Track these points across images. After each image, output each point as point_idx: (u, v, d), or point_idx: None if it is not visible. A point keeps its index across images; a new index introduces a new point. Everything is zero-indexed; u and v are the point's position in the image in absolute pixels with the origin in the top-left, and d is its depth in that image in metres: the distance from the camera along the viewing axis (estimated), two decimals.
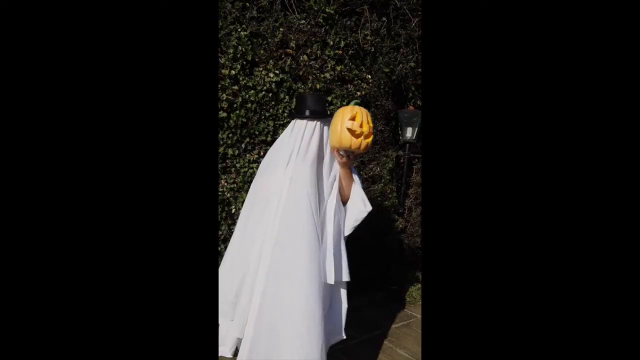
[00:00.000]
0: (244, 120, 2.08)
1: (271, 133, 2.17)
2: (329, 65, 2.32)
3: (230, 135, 2.06)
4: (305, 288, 1.29)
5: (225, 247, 1.63)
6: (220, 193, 2.08)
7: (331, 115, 1.47)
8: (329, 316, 1.47)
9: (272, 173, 1.48)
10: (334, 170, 1.50)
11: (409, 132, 2.69)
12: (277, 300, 1.31)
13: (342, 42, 2.34)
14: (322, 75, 2.30)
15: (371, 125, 1.39)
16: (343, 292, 1.53)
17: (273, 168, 1.48)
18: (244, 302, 1.43)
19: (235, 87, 2.04)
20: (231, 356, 1.53)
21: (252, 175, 2.07)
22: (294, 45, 2.20)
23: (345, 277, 1.48)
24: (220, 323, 1.52)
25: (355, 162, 1.64)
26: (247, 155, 2.14)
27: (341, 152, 1.42)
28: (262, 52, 2.11)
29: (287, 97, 2.19)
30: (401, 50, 2.63)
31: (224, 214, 2.10)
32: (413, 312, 2.63)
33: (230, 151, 2.08)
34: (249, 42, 2.06)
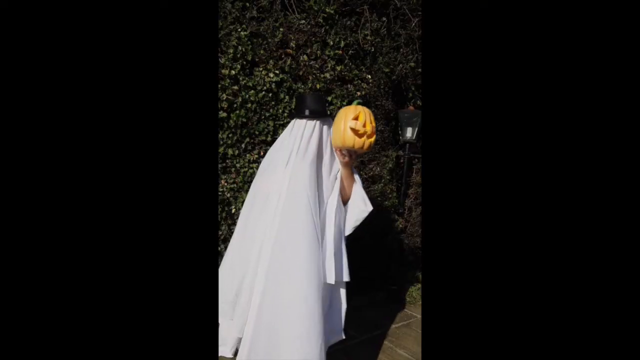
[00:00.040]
0: (244, 120, 2.08)
1: (271, 133, 2.17)
2: (329, 65, 2.32)
3: (230, 135, 2.06)
4: (305, 288, 1.29)
5: (225, 247, 1.62)
6: (220, 193, 2.08)
7: (331, 115, 1.47)
8: (328, 316, 1.47)
9: (272, 173, 1.48)
10: (334, 170, 1.50)
11: (409, 132, 2.69)
12: (276, 300, 1.31)
13: (342, 42, 2.34)
14: (322, 75, 2.30)
15: (374, 124, 1.39)
16: (342, 292, 1.53)
17: (273, 168, 1.48)
18: (243, 302, 1.43)
19: (235, 87, 2.04)
20: (232, 356, 1.53)
21: (252, 175, 2.07)
22: (294, 45, 2.20)
23: (346, 277, 1.48)
24: (221, 323, 1.52)
25: (355, 162, 1.64)
26: (247, 155, 2.14)
27: (344, 152, 1.42)
28: (262, 52, 2.11)
29: (287, 97, 2.20)
30: (401, 50, 2.63)
31: (224, 214, 2.10)
32: (413, 312, 2.63)
33: (230, 151, 2.08)
34: (249, 42, 2.06)
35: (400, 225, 2.88)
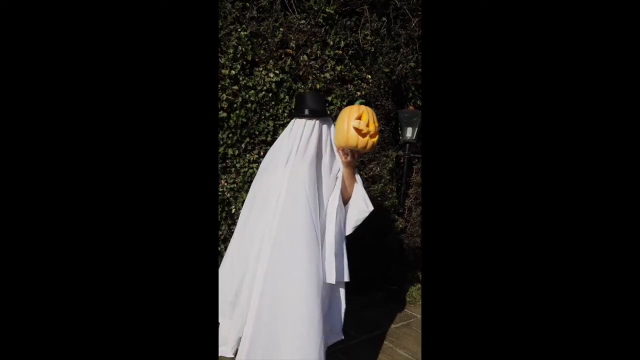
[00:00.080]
0: (244, 120, 2.08)
1: (271, 133, 2.17)
2: (329, 65, 2.32)
3: (230, 135, 2.07)
4: (304, 288, 1.28)
5: (226, 247, 1.62)
6: (220, 193, 2.08)
7: (331, 115, 1.46)
8: (328, 316, 1.47)
9: (271, 173, 1.48)
10: (333, 170, 1.50)
11: (409, 132, 2.69)
12: (275, 300, 1.31)
13: (342, 42, 2.34)
14: (322, 75, 2.30)
15: (377, 124, 1.38)
16: (342, 292, 1.53)
17: (273, 168, 1.48)
18: (243, 302, 1.43)
19: (235, 87, 2.04)
20: (232, 356, 1.53)
21: (252, 175, 2.07)
22: (294, 45, 2.20)
23: (346, 277, 1.48)
24: (221, 323, 1.52)
25: (357, 162, 1.65)
26: (247, 155, 2.14)
27: (346, 151, 1.42)
28: (262, 52, 2.11)
29: (287, 97, 2.20)
30: (401, 50, 2.63)
31: (224, 214, 2.10)
32: (413, 312, 2.63)
33: (230, 151, 2.08)
34: (249, 42, 2.06)
35: (400, 225, 2.88)
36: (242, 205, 1.66)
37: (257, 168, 1.66)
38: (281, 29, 2.15)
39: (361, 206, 1.50)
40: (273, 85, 2.13)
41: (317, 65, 2.28)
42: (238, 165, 2.12)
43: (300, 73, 2.25)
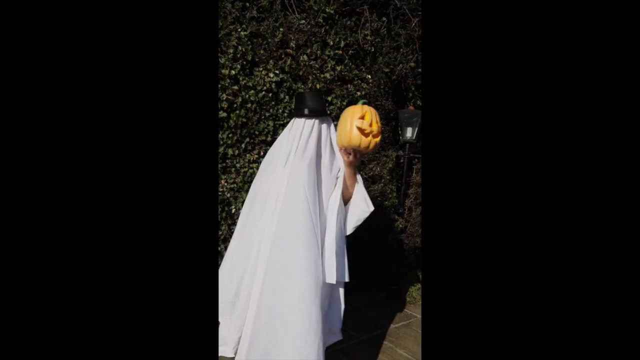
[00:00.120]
0: (244, 120, 2.08)
1: (271, 133, 2.17)
2: (329, 65, 2.32)
3: (230, 135, 2.07)
4: (304, 288, 1.28)
5: (226, 247, 1.62)
6: (220, 193, 2.08)
7: (331, 115, 1.46)
8: (327, 316, 1.46)
9: (271, 173, 1.48)
10: (333, 169, 1.50)
11: (409, 132, 2.69)
12: (275, 300, 1.30)
13: (342, 42, 2.34)
14: (322, 75, 2.30)
15: (379, 124, 1.38)
16: (341, 292, 1.53)
17: (272, 168, 1.48)
18: (242, 301, 1.43)
19: (235, 87, 2.04)
20: (233, 355, 1.53)
21: (252, 175, 2.08)
22: (294, 45, 2.20)
23: (346, 277, 1.48)
24: (221, 323, 1.52)
25: (358, 161, 1.65)
26: (247, 155, 2.14)
27: (349, 151, 1.41)
28: (262, 52, 2.11)
29: (287, 97, 2.20)
30: (401, 50, 2.63)
31: (224, 214, 2.10)
32: (413, 312, 2.63)
33: (230, 151, 2.08)
34: (249, 42, 2.06)
35: (400, 225, 2.88)
36: (242, 205, 1.66)
37: (257, 168, 1.66)
38: (281, 29, 2.15)
39: (362, 206, 1.49)
40: (273, 85, 2.13)
41: (317, 65, 2.28)
42: (238, 165, 2.12)
43: (300, 73, 2.25)
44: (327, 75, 2.31)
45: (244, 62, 2.07)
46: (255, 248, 1.42)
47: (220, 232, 2.09)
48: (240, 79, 2.05)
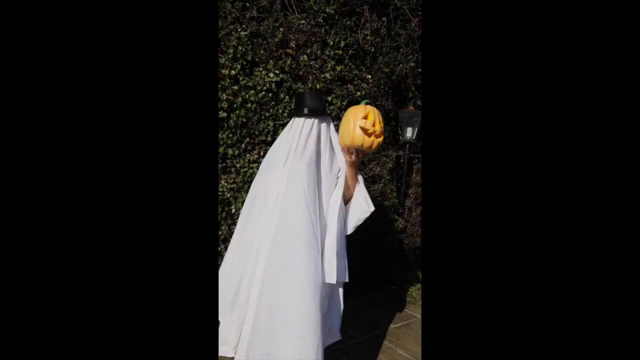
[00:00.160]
0: (244, 120, 2.08)
1: (271, 133, 2.17)
2: (329, 65, 2.32)
3: (230, 135, 2.07)
4: (304, 288, 1.28)
5: (226, 247, 1.63)
6: (220, 193, 2.08)
7: (330, 115, 1.46)
8: (326, 316, 1.46)
9: (271, 173, 1.48)
10: (334, 169, 1.50)
11: (409, 132, 2.69)
12: (274, 300, 1.30)
13: (342, 42, 2.34)
14: (322, 75, 2.30)
15: (382, 124, 1.38)
16: (341, 292, 1.53)
17: (272, 168, 1.48)
18: (242, 301, 1.43)
19: (235, 87, 2.04)
20: (233, 355, 1.53)
21: (252, 175, 2.08)
22: (294, 45, 2.20)
23: (346, 277, 1.48)
24: (222, 322, 1.52)
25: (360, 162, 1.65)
26: (247, 155, 2.14)
27: (351, 151, 1.41)
28: (262, 52, 2.12)
29: (287, 97, 2.20)
30: (401, 50, 2.63)
31: (224, 214, 2.10)
32: (413, 312, 2.63)
33: (230, 151, 2.08)
34: (249, 42, 2.06)
35: (400, 225, 2.88)
36: (242, 205, 1.66)
37: (257, 168, 1.66)
38: (281, 29, 2.15)
39: (362, 206, 1.49)
40: (273, 85, 2.13)
41: (317, 65, 2.28)
42: (238, 165, 2.12)
43: (300, 73, 2.25)
44: (327, 75, 2.31)
45: (244, 62, 2.07)
46: (255, 247, 1.42)
47: (220, 232, 2.09)
48: (240, 79, 2.06)
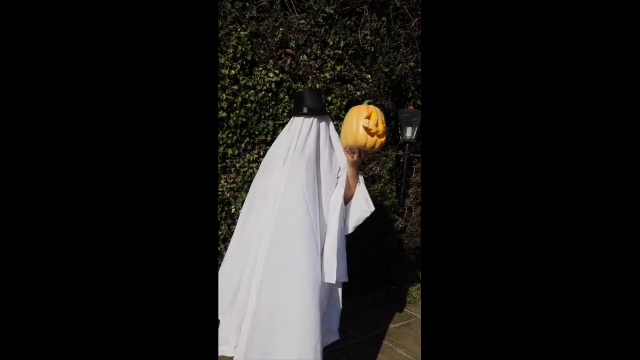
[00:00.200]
0: (244, 120, 2.08)
1: (271, 133, 2.17)
2: (329, 65, 2.32)
3: (230, 135, 2.07)
4: (304, 287, 1.28)
5: (226, 247, 1.63)
6: (220, 193, 2.08)
7: (330, 114, 1.46)
8: (325, 316, 1.46)
9: (270, 172, 1.48)
10: (334, 168, 1.49)
11: (409, 132, 2.69)
12: (273, 299, 1.30)
13: (342, 42, 2.34)
14: (322, 75, 2.30)
15: (385, 125, 1.39)
16: (340, 292, 1.53)
17: (272, 168, 1.48)
18: (241, 300, 1.43)
19: (235, 87, 2.04)
20: (234, 355, 1.53)
21: (252, 175, 2.08)
22: (294, 45, 2.20)
23: (346, 277, 1.48)
24: (222, 322, 1.52)
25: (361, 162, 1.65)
26: (247, 155, 2.14)
27: (354, 151, 1.41)
28: (262, 52, 2.12)
29: (287, 97, 2.20)
30: (401, 50, 2.63)
31: (224, 214, 2.10)
32: (413, 312, 2.64)
33: (230, 151, 2.08)
34: (249, 42, 2.06)
35: (400, 225, 2.88)
36: (242, 205, 1.66)
37: (257, 168, 1.66)
38: (281, 29, 2.15)
39: (363, 206, 1.49)
40: (273, 85, 2.13)
41: (317, 65, 2.28)
42: (238, 165, 2.12)
43: (300, 73, 2.25)
44: (327, 75, 2.31)
45: (244, 62, 2.07)
46: (255, 247, 1.42)
47: (220, 232, 2.09)
48: (240, 79, 2.05)
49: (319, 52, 2.28)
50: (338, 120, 2.37)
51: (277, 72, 2.14)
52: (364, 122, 1.34)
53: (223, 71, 2.00)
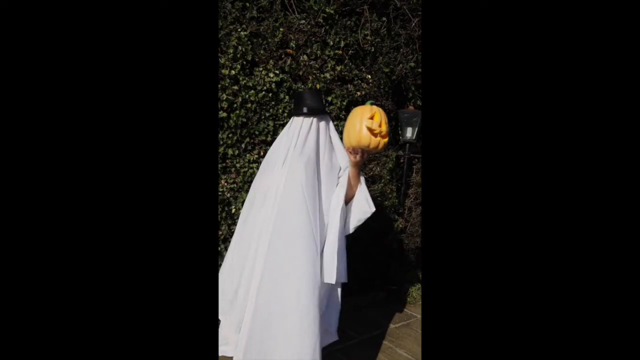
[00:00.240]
0: (244, 120, 2.08)
1: (271, 133, 2.17)
2: (329, 65, 2.32)
3: (230, 135, 2.07)
4: (303, 287, 1.27)
5: (226, 248, 1.63)
6: (220, 193, 2.08)
7: (330, 114, 1.46)
8: (324, 316, 1.46)
9: (270, 172, 1.48)
10: (334, 168, 1.49)
11: (409, 132, 2.69)
12: (272, 299, 1.30)
13: (342, 42, 2.34)
14: (322, 75, 2.30)
15: (387, 125, 1.39)
16: (339, 292, 1.53)
17: (272, 167, 1.48)
18: (240, 299, 1.43)
19: (235, 87, 2.04)
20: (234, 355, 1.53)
21: (252, 175, 2.08)
22: (294, 45, 2.20)
23: (345, 278, 1.48)
24: (222, 322, 1.52)
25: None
26: (247, 155, 2.14)
27: (356, 151, 1.41)
28: (262, 52, 2.12)
29: (287, 97, 2.20)
30: (401, 50, 2.63)
31: (224, 214, 2.10)
32: (413, 312, 2.63)
33: (230, 151, 2.08)
34: (249, 42, 2.06)
35: (400, 225, 2.88)
36: (242, 205, 1.66)
37: (257, 168, 1.66)
38: (281, 29, 2.15)
39: (364, 206, 1.49)
40: (273, 85, 2.13)
41: (317, 65, 2.28)
42: (238, 165, 2.12)
43: (300, 73, 2.25)
44: (327, 75, 2.31)
45: (244, 62, 2.07)
46: (254, 246, 1.42)
47: (220, 232, 2.09)
48: (240, 79, 2.05)
49: (319, 52, 2.28)
50: (338, 120, 2.37)
51: (277, 72, 2.14)
52: (367, 122, 1.34)
53: (223, 71, 2.00)
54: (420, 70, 2.71)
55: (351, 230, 1.53)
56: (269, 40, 2.12)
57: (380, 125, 1.35)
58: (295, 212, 1.34)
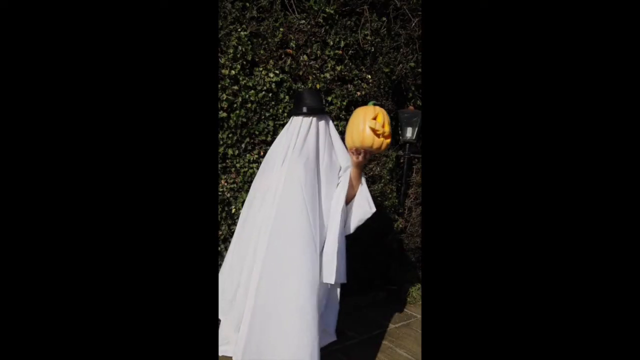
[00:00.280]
0: (244, 120, 2.08)
1: (271, 133, 2.17)
2: (329, 65, 2.32)
3: (230, 135, 2.07)
4: (301, 287, 1.27)
5: (226, 248, 1.63)
6: (220, 193, 2.08)
7: (330, 114, 1.46)
8: (323, 317, 1.46)
9: (270, 172, 1.48)
10: (334, 168, 1.49)
11: (409, 132, 2.69)
12: (270, 298, 1.30)
13: (342, 42, 2.34)
14: (322, 75, 2.30)
15: (390, 125, 1.38)
16: (338, 293, 1.53)
17: (271, 167, 1.48)
18: (239, 299, 1.43)
19: (235, 87, 2.04)
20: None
21: (252, 175, 2.08)
22: (294, 45, 2.20)
23: (345, 278, 1.48)
24: (223, 322, 1.52)
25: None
26: (247, 155, 2.14)
27: (359, 152, 1.41)
28: (262, 52, 2.12)
29: (287, 97, 2.20)
30: (401, 50, 2.63)
31: (224, 214, 2.10)
32: (413, 312, 2.64)
33: (230, 151, 2.08)
34: (249, 42, 2.06)
35: (400, 225, 2.88)
36: (242, 205, 1.66)
37: (257, 168, 1.66)
38: (281, 29, 2.15)
39: (364, 207, 1.49)
40: (273, 85, 2.13)
41: (317, 65, 2.28)
42: (238, 165, 2.12)
43: (300, 73, 2.25)
44: (327, 75, 2.31)
45: (244, 62, 2.07)
46: (253, 246, 1.42)
47: (220, 232, 2.09)
48: (240, 79, 2.05)
49: (319, 52, 2.28)
50: (338, 120, 2.37)
51: (277, 72, 2.14)
52: (371, 122, 1.34)
53: (223, 71, 2.00)
54: (420, 70, 2.71)
55: (352, 230, 1.52)
56: (269, 40, 2.12)
57: (383, 126, 1.35)
58: (295, 212, 1.34)
